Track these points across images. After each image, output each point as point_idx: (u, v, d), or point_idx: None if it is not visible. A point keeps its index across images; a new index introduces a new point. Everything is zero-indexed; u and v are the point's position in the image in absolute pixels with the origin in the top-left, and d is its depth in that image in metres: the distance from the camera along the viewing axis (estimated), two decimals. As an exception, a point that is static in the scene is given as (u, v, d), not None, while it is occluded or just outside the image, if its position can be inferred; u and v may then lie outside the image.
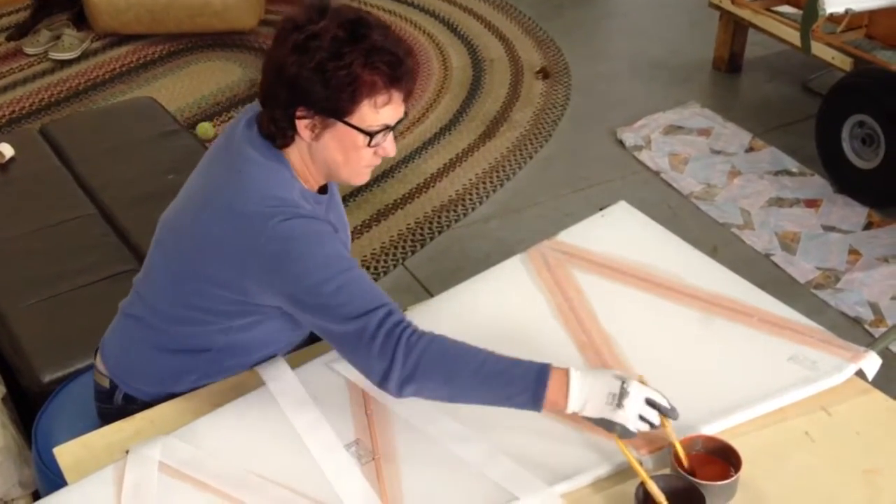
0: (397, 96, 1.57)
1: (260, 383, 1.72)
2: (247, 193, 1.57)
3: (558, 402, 1.49)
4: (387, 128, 1.58)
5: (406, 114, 1.62)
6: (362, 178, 1.65)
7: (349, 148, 1.58)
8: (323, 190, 1.71)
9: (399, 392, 1.52)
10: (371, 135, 1.56)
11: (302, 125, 1.57)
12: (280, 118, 1.57)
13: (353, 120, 1.55)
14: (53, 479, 1.77)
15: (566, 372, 1.49)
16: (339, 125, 1.55)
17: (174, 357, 1.73)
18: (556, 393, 1.48)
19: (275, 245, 1.54)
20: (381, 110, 1.55)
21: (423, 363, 1.49)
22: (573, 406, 1.49)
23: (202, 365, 1.73)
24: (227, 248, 1.57)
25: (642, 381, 1.51)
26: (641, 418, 1.49)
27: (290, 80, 1.53)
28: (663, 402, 1.50)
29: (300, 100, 1.54)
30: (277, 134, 1.59)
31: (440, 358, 1.50)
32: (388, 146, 1.61)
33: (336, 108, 1.54)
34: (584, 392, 1.48)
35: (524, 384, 1.48)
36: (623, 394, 1.47)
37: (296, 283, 1.55)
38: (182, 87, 4.21)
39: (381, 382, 1.52)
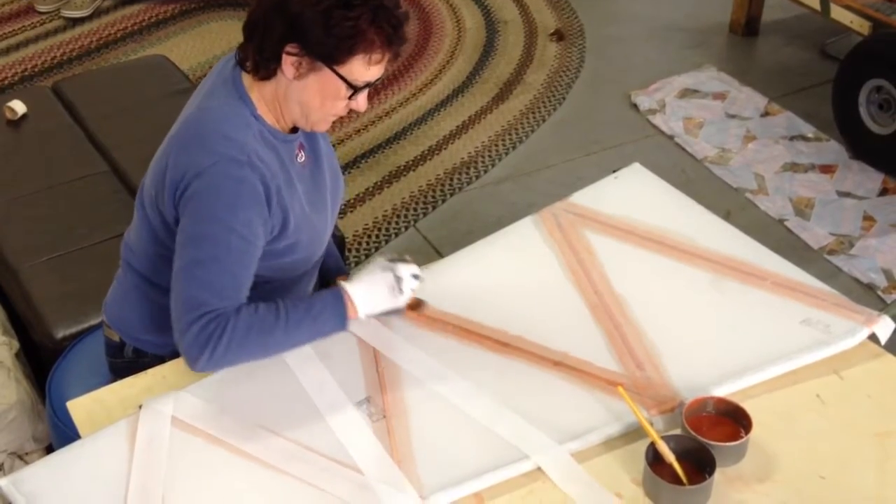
0: (387, 58, 1.59)
1: (272, 340, 1.73)
2: (201, 129, 1.59)
3: (353, 315, 1.62)
4: (367, 85, 1.60)
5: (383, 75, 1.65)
6: (326, 125, 1.67)
7: (328, 95, 1.59)
8: (294, 129, 1.71)
9: (207, 369, 1.56)
10: (356, 88, 1.58)
11: (288, 62, 1.56)
12: (267, 49, 1.57)
13: (343, 70, 1.56)
14: (67, 434, 1.79)
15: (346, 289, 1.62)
16: (327, 71, 1.56)
17: (164, 301, 1.73)
18: (351, 309, 1.61)
19: (201, 182, 1.55)
20: (371, 68, 1.57)
21: (233, 345, 1.52)
22: (364, 313, 1.62)
23: None
24: (170, 173, 1.59)
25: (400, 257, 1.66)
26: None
27: (292, 16, 1.53)
28: (418, 269, 1.65)
29: (295, 37, 1.54)
30: (261, 65, 1.59)
31: (247, 332, 1.53)
32: (361, 101, 1.63)
33: (330, 54, 1.54)
34: (369, 297, 1.62)
35: (328, 314, 1.60)
36: (399, 280, 1.62)
37: (188, 222, 1.57)
38: (194, 46, 4.19)
39: (191, 364, 1.55)
